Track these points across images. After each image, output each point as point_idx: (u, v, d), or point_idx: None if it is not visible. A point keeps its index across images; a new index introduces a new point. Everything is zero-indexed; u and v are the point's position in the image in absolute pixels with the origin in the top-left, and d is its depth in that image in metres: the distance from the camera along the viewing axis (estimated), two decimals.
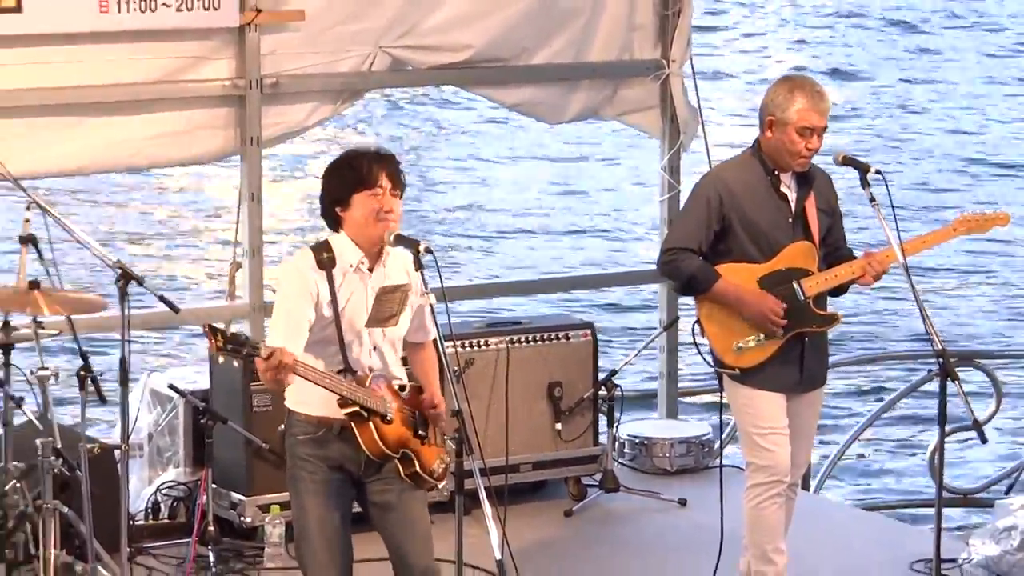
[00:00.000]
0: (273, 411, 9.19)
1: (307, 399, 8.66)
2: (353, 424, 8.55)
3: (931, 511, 13.08)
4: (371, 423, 8.55)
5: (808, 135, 9.83)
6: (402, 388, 8.79)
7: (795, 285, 9.97)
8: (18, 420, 10.30)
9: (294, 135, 12.48)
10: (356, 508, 8.79)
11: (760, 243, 9.97)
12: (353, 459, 8.67)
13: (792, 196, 10.02)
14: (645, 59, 12.83)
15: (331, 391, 8.50)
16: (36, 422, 10.17)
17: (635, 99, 12.92)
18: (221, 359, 8.19)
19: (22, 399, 10.26)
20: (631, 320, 20.70)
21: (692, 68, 12.96)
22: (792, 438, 10.04)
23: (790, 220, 10.01)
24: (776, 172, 9.98)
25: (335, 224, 8.75)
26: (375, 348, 8.75)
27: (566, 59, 12.61)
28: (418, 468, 8.67)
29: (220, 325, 8.25)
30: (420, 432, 8.75)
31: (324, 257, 8.65)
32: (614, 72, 12.81)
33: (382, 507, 8.77)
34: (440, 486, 8.82)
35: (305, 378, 8.39)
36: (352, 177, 8.68)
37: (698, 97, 13.01)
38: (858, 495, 16.22)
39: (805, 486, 11.61)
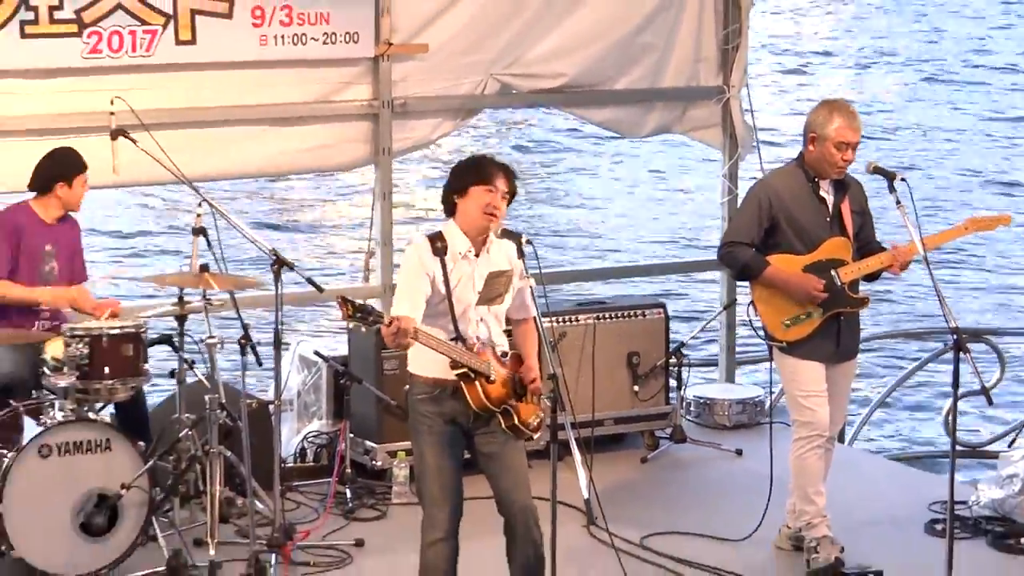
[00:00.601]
0: (399, 374, 9.22)
1: (425, 364, 8.65)
2: (462, 383, 8.56)
3: (946, 461, 13.12)
4: (477, 383, 8.56)
5: (844, 148, 9.84)
6: (504, 354, 8.78)
7: (833, 273, 9.93)
8: (190, 380, 10.32)
9: (420, 147, 12.49)
10: (466, 456, 8.76)
11: (803, 238, 9.95)
12: (463, 414, 8.66)
13: (830, 199, 10.01)
14: (709, 85, 12.77)
15: (445, 355, 8.52)
16: (205, 381, 10.20)
17: (700, 118, 12.87)
18: (362, 329, 8.25)
19: (193, 362, 10.29)
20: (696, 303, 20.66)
21: (748, 92, 12.89)
22: (830, 400, 10.02)
23: (828, 219, 10.00)
24: (816, 179, 9.97)
25: (450, 211, 8.73)
26: (481, 320, 8.74)
27: (643, 85, 12.56)
28: (517, 421, 8.65)
29: (351, 297, 8.25)
30: (518, 392, 8.73)
31: (438, 246, 8.64)
32: (683, 96, 12.75)
33: (488, 455, 8.76)
34: (536, 437, 8.78)
35: (424, 343, 8.39)
36: (474, 171, 8.70)
37: (753, 116, 12.93)
38: (885, 448, 16.07)
39: (840, 439, 11.51)
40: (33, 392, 10.09)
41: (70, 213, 10.56)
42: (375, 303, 10.18)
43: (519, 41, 12.17)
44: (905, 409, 17.97)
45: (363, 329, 8.26)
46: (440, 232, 8.70)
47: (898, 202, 9.55)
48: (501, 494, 8.76)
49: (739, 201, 11.45)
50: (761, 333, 10.05)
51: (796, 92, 36.27)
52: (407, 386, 8.83)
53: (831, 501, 10.10)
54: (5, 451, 9.60)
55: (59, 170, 10.41)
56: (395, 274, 11.83)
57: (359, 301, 8.22)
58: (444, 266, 8.62)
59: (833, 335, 10.02)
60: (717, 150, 13.04)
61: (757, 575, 9.85)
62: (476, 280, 8.70)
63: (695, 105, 12.83)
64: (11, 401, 9.98)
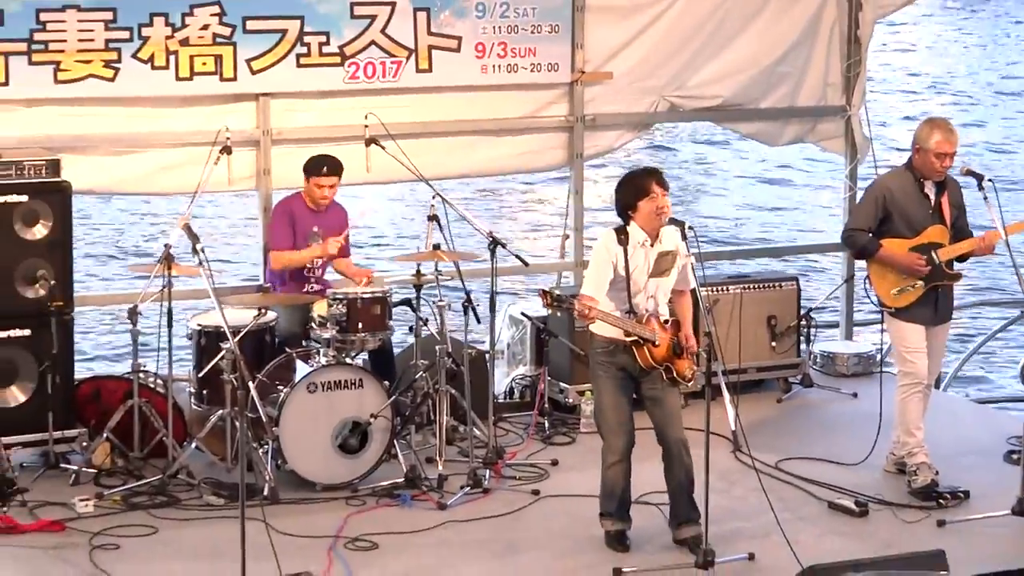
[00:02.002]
0: (586, 331, 9.14)
1: (603, 327, 8.68)
2: (633, 347, 8.60)
3: (1021, 404, 12.97)
4: (645, 347, 8.59)
5: (942, 158, 9.68)
6: (666, 322, 8.75)
7: (933, 253, 9.76)
8: (424, 334, 10.29)
9: (605, 154, 12.37)
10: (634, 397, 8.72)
11: (910, 226, 9.78)
12: (632, 366, 8.67)
13: (932, 196, 9.82)
14: (835, 104, 12.53)
15: (620, 328, 8.57)
16: (436, 335, 10.15)
17: (828, 131, 12.65)
18: (557, 313, 8.53)
19: (427, 320, 10.25)
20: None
21: (866, 110, 12.66)
22: (928, 355, 9.84)
23: (930, 212, 9.81)
24: (921, 179, 9.79)
25: (627, 220, 8.69)
26: (651, 297, 8.71)
27: (783, 104, 12.36)
28: (675, 375, 8.68)
29: (549, 288, 8.51)
30: (677, 351, 8.71)
31: (621, 237, 8.64)
32: (814, 113, 12.53)
33: (651, 399, 8.74)
34: (689, 385, 8.84)
35: (603, 320, 8.50)
36: (634, 190, 8.67)
37: (870, 129, 12.70)
38: (972, 394, 15.67)
39: (936, 386, 11.28)
40: (303, 342, 10.12)
41: (337, 202, 10.59)
42: (569, 275, 10.23)
43: (685, 70, 12.03)
44: (989, 363, 17.53)
45: (558, 313, 8.40)
46: (623, 226, 8.68)
47: (985, 198, 9.48)
48: (660, 428, 8.76)
49: (858, 197, 11.25)
50: (874, 301, 9.92)
51: (908, 108, 35.33)
52: (590, 340, 8.84)
53: (928, 435, 9.90)
54: (282, 387, 9.63)
55: (305, 169, 10.46)
56: (585, 254, 11.76)
57: (556, 292, 8.41)
58: (626, 253, 8.59)
59: (932, 303, 9.84)
60: (840, 156, 12.83)
61: (869, 492, 9.63)
62: (649, 262, 8.67)
63: (823, 120, 12.60)
64: (287, 349, 10.02)
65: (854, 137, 12.61)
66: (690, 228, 8.63)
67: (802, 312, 11.98)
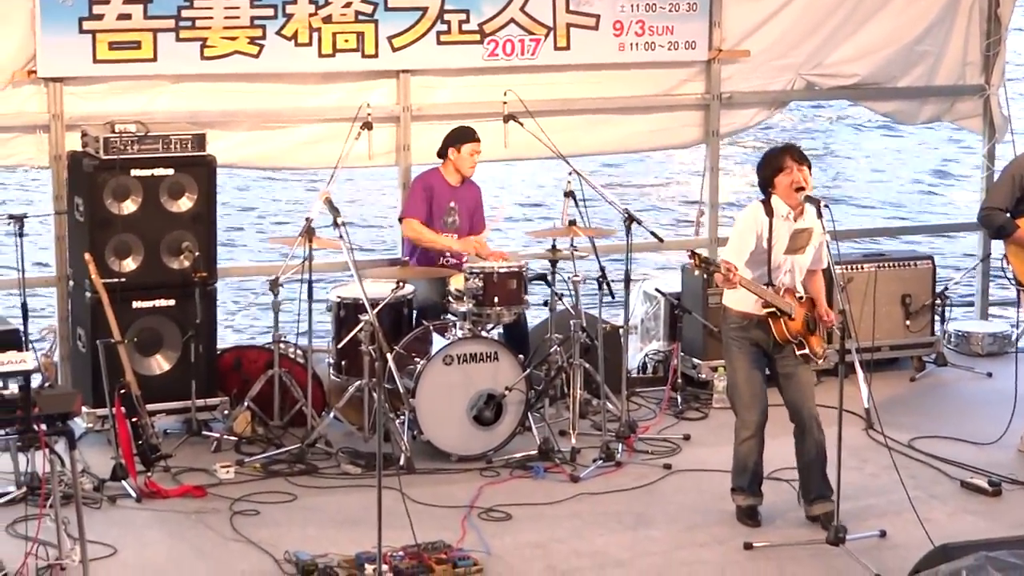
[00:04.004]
0: (719, 307, 9.10)
1: (737, 301, 8.65)
2: (768, 319, 8.54)
3: None
4: (781, 319, 8.53)
5: None
6: (801, 298, 8.68)
7: None
8: (559, 308, 10.27)
9: (740, 131, 12.28)
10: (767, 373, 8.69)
11: None
12: (765, 341, 8.63)
13: None
14: (973, 84, 12.34)
15: (758, 296, 8.50)
16: (570, 310, 10.15)
17: (966, 110, 12.46)
18: (704, 276, 8.49)
19: (562, 295, 10.25)
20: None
21: (1005, 89, 12.45)
22: None
23: None
24: None
25: (768, 195, 8.66)
26: (788, 271, 8.67)
27: (920, 83, 12.18)
28: (807, 350, 8.63)
29: (699, 251, 8.43)
30: (811, 328, 8.66)
31: (768, 208, 8.62)
32: (952, 92, 12.34)
33: (784, 375, 8.70)
34: (820, 363, 8.76)
35: (744, 287, 8.43)
36: (772, 167, 8.66)
37: (1009, 108, 12.50)
38: None
39: None
40: (440, 315, 10.16)
41: (471, 179, 10.62)
42: (704, 252, 10.19)
43: (822, 48, 11.90)
44: None
45: (705, 276, 8.37)
46: (768, 200, 8.65)
47: None
48: (793, 404, 8.71)
49: (995, 176, 11.07)
50: (1012, 280, 9.79)
51: None
52: (723, 315, 8.83)
53: None
54: (419, 359, 9.68)
55: (452, 140, 10.51)
56: (719, 230, 11.72)
57: (704, 254, 8.40)
58: (770, 226, 8.56)
59: None
60: (979, 135, 12.63)
61: (1002, 471, 9.50)
62: (787, 237, 8.62)
63: (961, 99, 12.41)
64: (424, 321, 10.07)
65: (992, 116, 12.42)
66: (825, 206, 8.54)
67: (937, 291, 11.84)
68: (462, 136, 10.50)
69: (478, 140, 10.48)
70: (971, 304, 13.12)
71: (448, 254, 10.51)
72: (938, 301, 11.83)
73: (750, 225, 8.59)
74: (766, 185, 8.65)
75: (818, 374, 8.79)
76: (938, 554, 7.53)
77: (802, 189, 8.55)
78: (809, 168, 8.63)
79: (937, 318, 11.86)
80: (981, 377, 11.66)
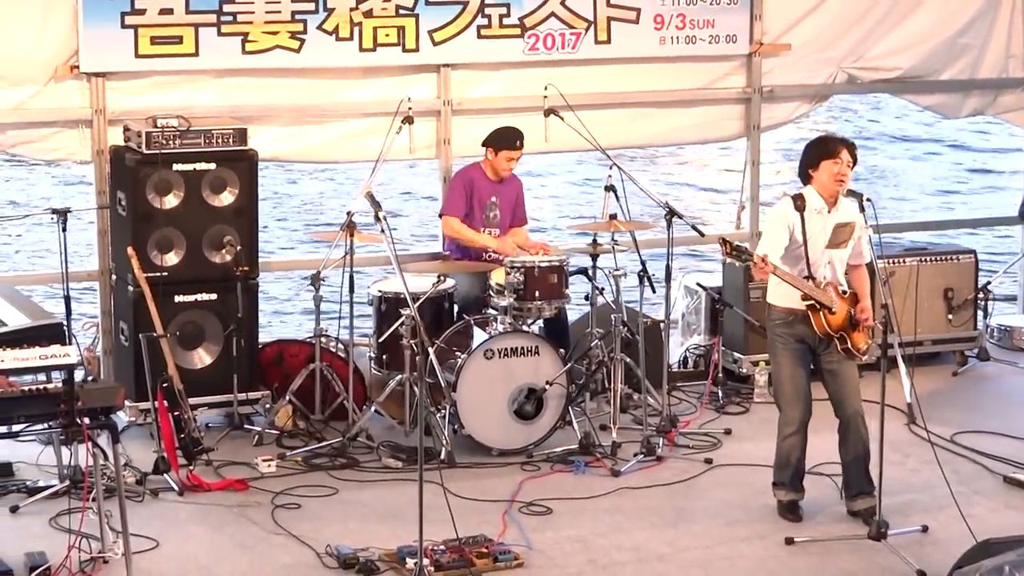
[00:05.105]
0: (762, 301, 9.07)
1: (781, 296, 8.59)
2: (809, 312, 8.47)
3: None
4: (821, 313, 8.46)
5: None
6: (843, 292, 8.62)
7: None
8: (600, 302, 10.25)
9: (781, 125, 12.19)
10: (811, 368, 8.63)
11: None
12: (810, 336, 8.56)
13: None
14: (1017, 77, 12.25)
15: (798, 288, 8.44)
16: (611, 304, 10.12)
17: (1009, 103, 12.37)
18: (736, 264, 8.46)
19: (603, 289, 10.22)
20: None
21: None
22: None
23: None
24: None
25: (805, 181, 8.56)
26: (828, 263, 8.61)
27: (963, 76, 12.10)
28: (850, 346, 8.56)
29: (728, 239, 8.33)
30: (853, 323, 8.58)
31: (799, 203, 8.52)
32: (995, 85, 12.25)
33: (828, 371, 8.65)
34: (863, 359, 8.66)
35: (782, 278, 8.36)
36: (823, 149, 8.57)
37: None
38: None
39: None
40: (481, 309, 10.14)
41: (514, 173, 10.60)
42: (744, 246, 10.13)
43: (864, 41, 11.83)
44: None
45: (736, 264, 8.33)
46: (801, 193, 8.57)
47: None
48: (837, 400, 8.67)
49: None
50: None
51: None
52: (767, 311, 8.73)
53: None
54: (460, 353, 9.66)
55: (491, 141, 10.48)
56: (760, 223, 11.65)
57: (735, 242, 8.30)
58: (803, 220, 8.48)
59: None
60: (1021, 128, 12.55)
61: None
62: (827, 230, 8.55)
63: (1004, 93, 12.33)
64: (464, 316, 10.05)
65: None
66: (868, 200, 8.50)
67: (980, 285, 11.76)
68: (502, 140, 10.43)
69: (518, 148, 10.41)
70: (1014, 298, 13.03)
71: (488, 249, 10.49)
72: (980, 295, 11.75)
73: (780, 220, 8.53)
74: (809, 166, 8.54)
75: (860, 368, 8.70)
76: (980, 550, 7.48)
77: (842, 182, 8.48)
78: (854, 167, 8.56)
79: (980, 312, 11.78)
80: (1023, 372, 11.58)
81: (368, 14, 10.58)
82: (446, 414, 9.61)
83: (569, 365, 9.82)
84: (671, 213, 9.93)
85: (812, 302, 8.45)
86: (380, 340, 10.03)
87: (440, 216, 10.65)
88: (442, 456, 9.42)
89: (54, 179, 20.13)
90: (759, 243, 8.74)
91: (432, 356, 9.30)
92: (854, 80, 11.97)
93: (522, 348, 9.66)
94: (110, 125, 10.18)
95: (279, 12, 10.39)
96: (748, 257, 8.27)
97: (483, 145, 10.51)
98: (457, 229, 10.40)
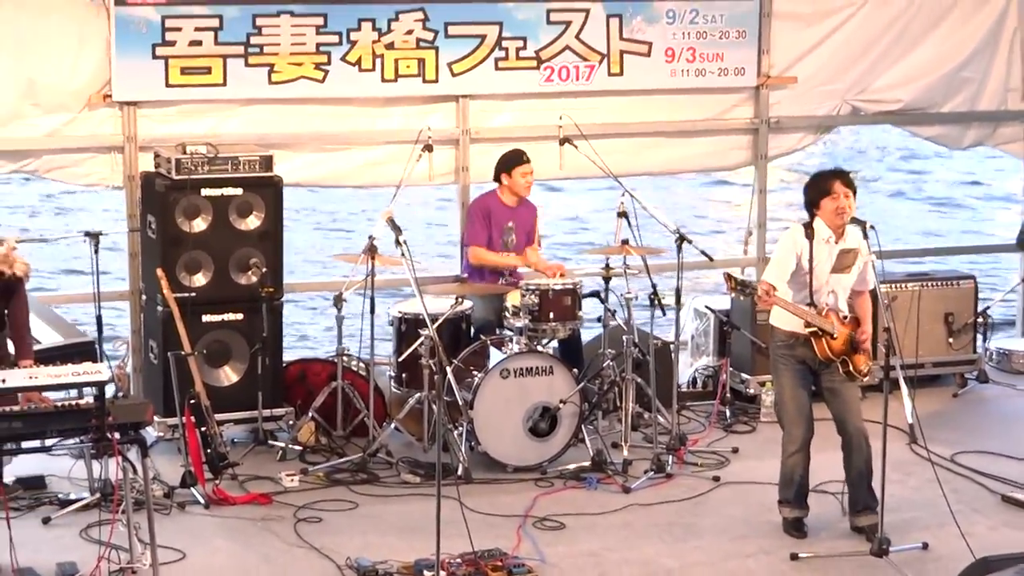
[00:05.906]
0: (767, 324, 9.10)
1: (784, 320, 8.66)
2: (812, 338, 8.53)
3: None
4: (823, 339, 8.53)
5: None
6: (845, 318, 8.66)
7: None
8: (612, 324, 10.27)
9: (787, 154, 12.23)
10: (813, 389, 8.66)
11: None
12: (811, 358, 8.61)
13: None
14: (1015, 109, 12.27)
15: (797, 315, 8.51)
16: (623, 325, 10.16)
17: (1008, 135, 12.40)
18: (740, 297, 8.54)
19: (615, 311, 10.25)
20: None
21: None
22: None
23: None
24: None
25: (812, 216, 8.64)
26: (831, 291, 8.65)
27: (963, 108, 12.13)
28: (852, 368, 8.61)
29: (733, 272, 8.52)
30: (854, 347, 8.63)
31: (808, 231, 8.60)
32: (995, 117, 12.28)
33: (830, 391, 8.70)
34: (865, 380, 8.72)
35: (785, 308, 8.46)
36: (819, 189, 8.65)
37: None
38: None
39: None
40: (497, 330, 10.18)
41: (527, 199, 10.65)
42: (752, 270, 10.18)
43: (867, 74, 11.87)
44: None
45: (740, 297, 8.39)
46: (810, 222, 8.63)
47: None
48: (840, 419, 8.71)
49: None
50: None
51: None
52: (771, 333, 8.79)
53: None
54: (476, 373, 9.71)
55: (502, 166, 10.55)
56: (767, 249, 11.68)
57: (739, 277, 8.44)
58: (811, 248, 8.55)
59: None
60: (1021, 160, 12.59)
61: None
62: (833, 257, 8.61)
63: (1004, 124, 12.35)
64: (481, 336, 10.09)
65: None
66: (871, 228, 8.54)
67: (979, 309, 11.78)
68: (511, 161, 10.51)
69: (527, 161, 10.49)
70: (1012, 323, 13.04)
71: (507, 272, 10.54)
72: (980, 320, 11.77)
73: (789, 247, 8.58)
74: (812, 206, 8.64)
75: (863, 390, 8.75)
76: (979, 566, 7.51)
77: (844, 214, 8.53)
78: (855, 194, 8.61)
79: (979, 336, 11.80)
80: (1022, 394, 11.59)
81: (390, 46, 10.66)
82: (463, 431, 9.65)
83: (582, 384, 9.86)
84: (681, 238, 9.98)
85: (815, 329, 8.51)
86: (400, 359, 10.08)
87: (464, 246, 10.69)
88: (459, 472, 9.46)
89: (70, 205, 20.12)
90: (767, 268, 8.80)
91: (450, 375, 9.35)
92: (858, 112, 12.01)
93: (537, 368, 9.70)
94: (141, 151, 10.27)
95: (304, 44, 10.48)
96: (752, 291, 8.35)
97: (495, 178, 10.56)
98: (482, 257, 10.44)
